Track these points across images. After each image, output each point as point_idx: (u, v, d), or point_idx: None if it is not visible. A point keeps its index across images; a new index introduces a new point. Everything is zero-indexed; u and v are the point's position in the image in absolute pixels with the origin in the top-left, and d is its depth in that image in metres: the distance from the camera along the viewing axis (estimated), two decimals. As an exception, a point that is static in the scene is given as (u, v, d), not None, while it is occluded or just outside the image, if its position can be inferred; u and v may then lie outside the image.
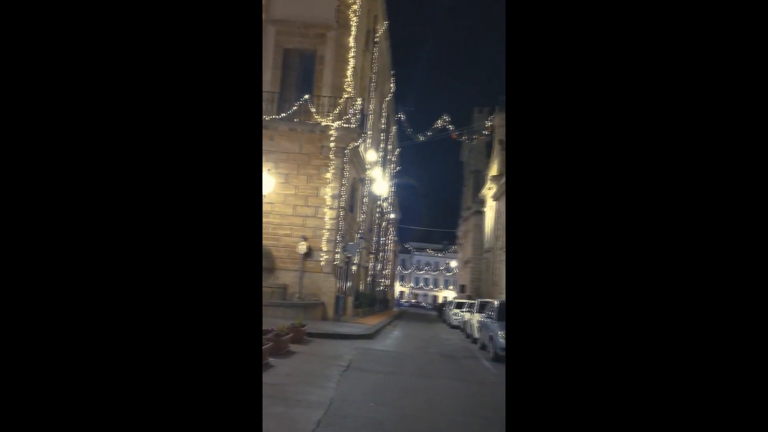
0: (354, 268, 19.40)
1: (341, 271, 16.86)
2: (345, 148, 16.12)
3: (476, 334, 14.04)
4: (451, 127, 28.98)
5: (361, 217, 20.26)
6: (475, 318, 14.57)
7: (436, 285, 76.55)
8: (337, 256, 15.99)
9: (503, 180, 31.05)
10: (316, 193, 15.92)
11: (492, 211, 36.25)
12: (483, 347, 12.48)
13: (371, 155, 20.12)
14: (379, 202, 26.16)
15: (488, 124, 36.01)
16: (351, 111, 16.02)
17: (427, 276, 77.38)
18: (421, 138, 28.39)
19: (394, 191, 34.63)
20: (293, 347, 8.81)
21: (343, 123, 15.87)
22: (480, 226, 41.16)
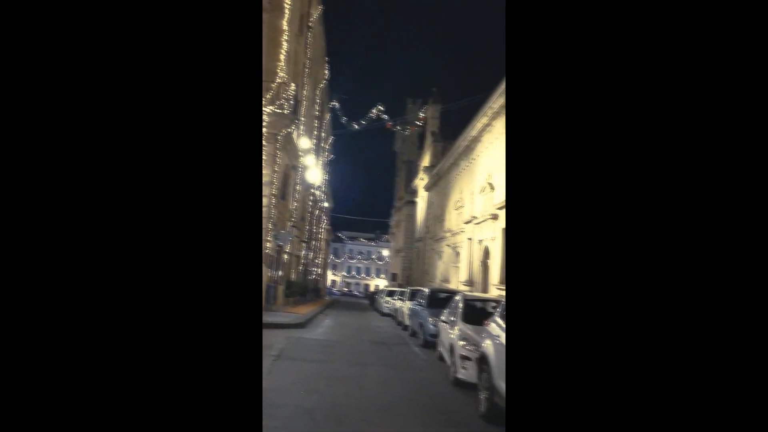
0: (285, 256, 19.11)
1: (272, 260, 16.56)
2: (277, 134, 15.77)
3: (407, 322, 14.31)
4: (385, 116, 29.12)
5: (293, 205, 19.95)
6: (406, 306, 14.85)
7: (368, 274, 77.09)
8: (268, 244, 15.68)
9: (435, 170, 31.67)
10: (246, 180, 15.43)
11: (423, 202, 36.90)
12: (413, 334, 12.75)
13: (304, 142, 19.81)
14: (311, 191, 25.86)
15: (421, 115, 36.51)
16: (283, 96, 15.67)
17: (359, 265, 77.72)
18: (356, 126, 28.33)
19: (327, 179, 34.34)
20: (221, 338, 8.54)
21: (276, 108, 15.50)
22: (412, 216, 41.82)
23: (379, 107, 28.41)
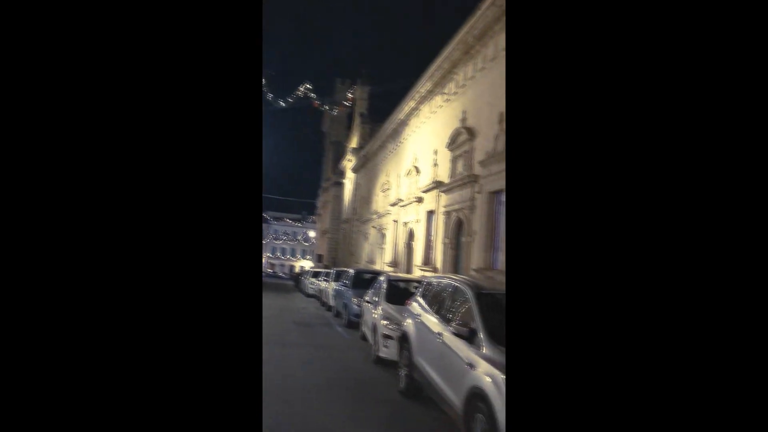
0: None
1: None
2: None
3: (331, 302, 14.38)
4: (312, 95, 28.60)
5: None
6: (331, 286, 14.89)
7: (293, 255, 76.21)
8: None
9: (363, 152, 31.69)
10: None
11: (351, 183, 36.89)
12: (337, 314, 12.85)
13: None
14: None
15: (350, 95, 36.21)
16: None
17: (284, 246, 76.59)
18: (282, 104, 27.61)
19: (252, 158, 33.28)
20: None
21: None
22: (339, 198, 41.73)
23: (307, 85, 27.84)
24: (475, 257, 12.45)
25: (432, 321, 4.96)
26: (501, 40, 12.03)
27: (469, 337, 3.92)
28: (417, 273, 16.32)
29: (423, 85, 17.76)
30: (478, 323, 3.98)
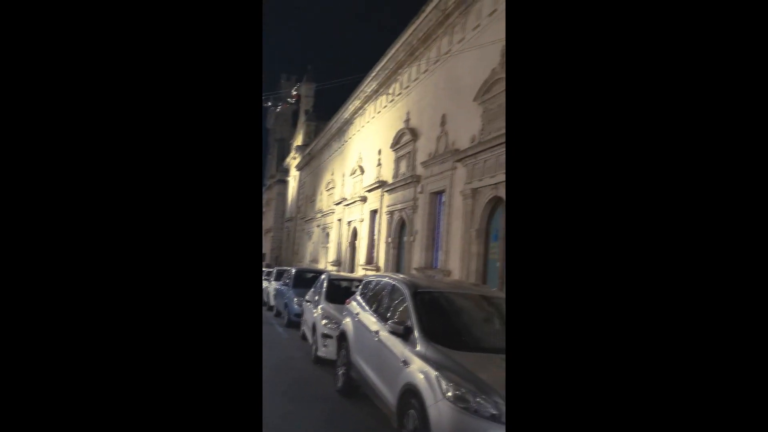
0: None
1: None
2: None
3: (272, 302, 14.15)
4: (256, 91, 27.96)
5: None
6: (272, 286, 14.65)
7: (235, 253, 74.21)
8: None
9: (308, 150, 31.35)
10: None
11: (295, 181, 36.42)
12: (278, 314, 12.66)
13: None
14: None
15: (294, 92, 35.70)
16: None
17: (226, 244, 74.41)
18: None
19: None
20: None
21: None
22: (283, 195, 41.10)
23: (251, 81, 27.19)
24: (417, 256, 12.63)
25: (370, 320, 5.00)
26: (445, 43, 12.27)
27: (405, 335, 3.99)
28: (360, 272, 16.35)
29: (368, 85, 17.82)
30: (413, 321, 4.05)
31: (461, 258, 10.29)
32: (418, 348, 3.75)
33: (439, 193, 11.94)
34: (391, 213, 14.71)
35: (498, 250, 9.39)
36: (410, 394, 3.53)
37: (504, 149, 8.96)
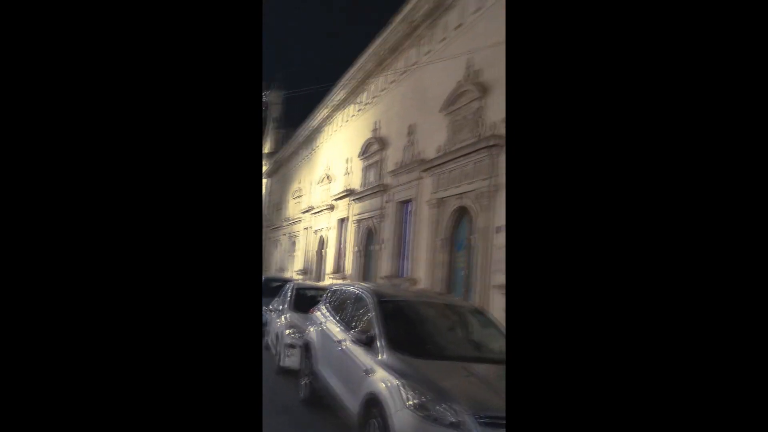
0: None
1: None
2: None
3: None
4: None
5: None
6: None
7: (200, 262, 72.69)
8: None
9: (275, 158, 31.08)
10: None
11: (264, 189, 36.00)
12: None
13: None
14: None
15: (264, 99, 35.35)
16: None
17: (190, 252, 72.85)
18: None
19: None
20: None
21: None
22: (250, 203, 40.52)
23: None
24: (384, 265, 12.65)
25: (334, 329, 4.98)
26: (412, 54, 12.42)
27: (368, 344, 3.99)
28: (327, 281, 16.27)
29: (337, 94, 17.85)
30: (377, 330, 4.06)
31: (427, 267, 10.37)
32: (382, 357, 3.76)
33: (407, 202, 12.02)
34: (358, 221, 14.72)
35: (463, 259, 9.52)
36: (373, 403, 3.53)
37: (468, 160, 9.12)
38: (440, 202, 10.14)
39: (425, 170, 10.68)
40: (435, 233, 10.22)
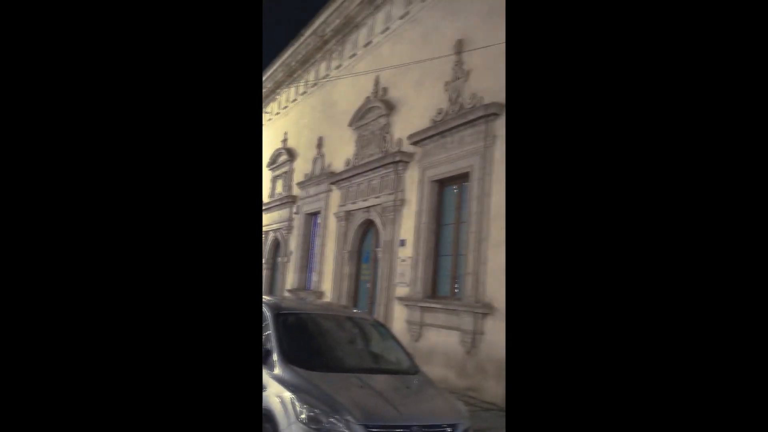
0: None
1: None
2: None
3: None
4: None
5: None
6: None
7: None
8: None
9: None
10: None
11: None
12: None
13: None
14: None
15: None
16: None
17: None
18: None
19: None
20: None
21: None
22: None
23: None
24: (291, 277, 12.50)
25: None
26: (322, 67, 12.51)
27: (264, 358, 3.94)
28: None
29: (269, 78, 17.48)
30: (273, 343, 4.02)
31: (334, 279, 10.40)
32: (276, 371, 3.73)
33: (315, 214, 12.00)
34: (266, 233, 14.42)
35: (369, 272, 9.66)
36: (265, 419, 3.49)
37: (375, 174, 9.33)
38: (348, 215, 10.24)
39: (333, 183, 10.75)
40: (342, 246, 10.29)
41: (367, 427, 3.10)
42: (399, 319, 8.19)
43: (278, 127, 14.96)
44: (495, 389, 6.17)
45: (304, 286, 11.97)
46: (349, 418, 3.12)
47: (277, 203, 13.68)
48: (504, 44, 6.73)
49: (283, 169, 13.90)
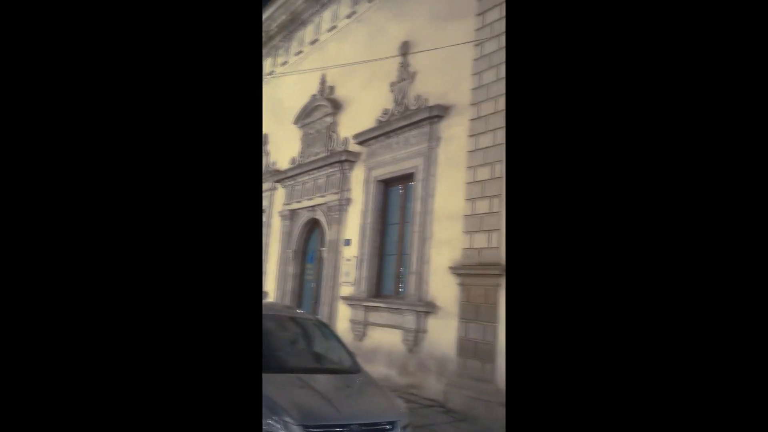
0: None
1: None
2: None
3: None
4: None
5: None
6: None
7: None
8: None
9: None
10: None
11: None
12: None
13: None
14: None
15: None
16: None
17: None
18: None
19: None
20: None
21: None
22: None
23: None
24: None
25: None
26: (267, 63, 12.29)
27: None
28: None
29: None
30: (211, 346, 3.92)
31: (277, 279, 10.25)
32: (214, 374, 3.64)
33: (258, 213, 11.77)
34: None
35: (313, 271, 9.59)
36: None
37: (321, 173, 9.27)
38: (292, 214, 10.12)
39: (278, 181, 10.59)
40: (286, 245, 10.16)
41: (305, 427, 3.09)
42: (343, 319, 8.18)
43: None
44: (436, 386, 6.29)
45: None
46: (287, 419, 3.10)
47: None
48: (448, 47, 6.88)
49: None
